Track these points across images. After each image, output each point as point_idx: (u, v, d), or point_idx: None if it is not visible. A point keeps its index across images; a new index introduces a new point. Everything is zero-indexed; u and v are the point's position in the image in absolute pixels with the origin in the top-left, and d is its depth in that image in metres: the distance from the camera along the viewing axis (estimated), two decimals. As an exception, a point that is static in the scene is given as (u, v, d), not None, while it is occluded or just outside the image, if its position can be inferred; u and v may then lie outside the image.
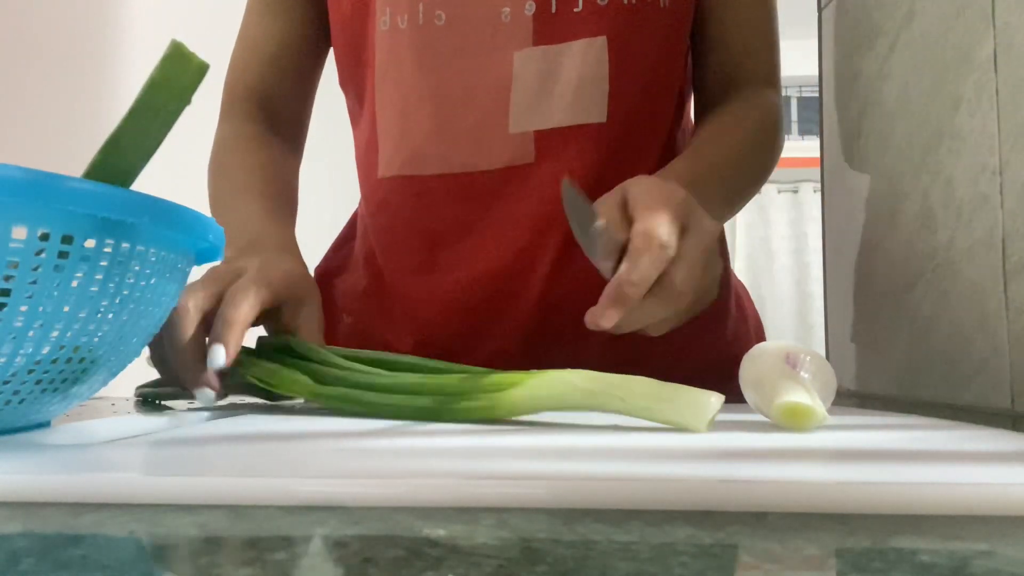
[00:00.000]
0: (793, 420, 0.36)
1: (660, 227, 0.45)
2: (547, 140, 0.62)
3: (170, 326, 0.48)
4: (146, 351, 0.51)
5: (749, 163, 0.65)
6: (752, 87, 0.69)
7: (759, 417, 0.43)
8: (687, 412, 0.35)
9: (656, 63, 0.64)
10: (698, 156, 0.62)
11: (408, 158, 0.66)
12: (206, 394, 0.47)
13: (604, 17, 0.62)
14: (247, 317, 0.49)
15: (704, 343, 0.69)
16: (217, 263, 0.50)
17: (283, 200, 0.67)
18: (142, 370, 0.53)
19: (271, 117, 0.74)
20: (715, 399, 0.36)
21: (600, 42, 0.62)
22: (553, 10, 0.62)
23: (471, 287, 0.64)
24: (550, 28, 0.62)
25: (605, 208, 0.48)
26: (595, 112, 0.62)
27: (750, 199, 0.68)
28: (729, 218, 0.64)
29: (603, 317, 0.45)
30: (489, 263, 0.64)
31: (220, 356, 0.46)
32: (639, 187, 0.49)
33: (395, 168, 0.66)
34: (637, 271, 0.44)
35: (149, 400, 0.58)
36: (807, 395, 0.36)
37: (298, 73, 0.74)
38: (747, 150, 0.65)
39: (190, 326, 0.48)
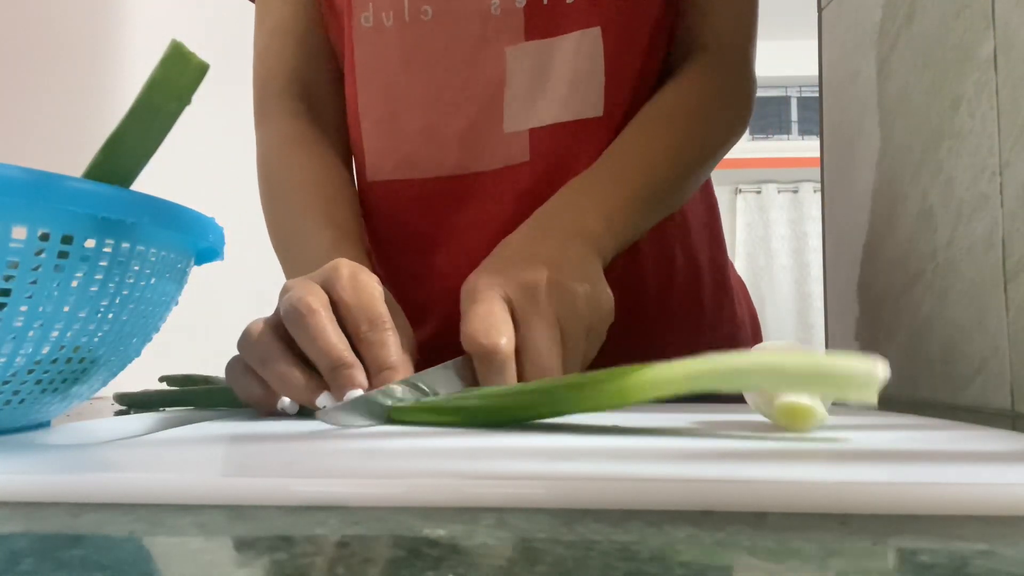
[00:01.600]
0: (793, 420, 0.36)
1: (477, 335, 0.43)
2: (542, 137, 0.61)
3: (303, 328, 0.42)
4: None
5: (677, 161, 0.59)
6: (711, 57, 0.63)
7: (759, 417, 0.43)
8: (852, 384, 0.31)
9: (649, 51, 0.63)
10: (606, 167, 0.58)
11: (399, 162, 0.64)
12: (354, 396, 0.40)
13: (597, 6, 0.60)
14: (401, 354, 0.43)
15: (701, 343, 0.69)
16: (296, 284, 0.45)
17: (349, 220, 0.62)
18: (142, 370, 0.53)
19: (313, 108, 0.69)
20: (881, 367, 0.31)
21: (594, 33, 0.60)
22: (545, 1, 0.60)
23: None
24: (542, 20, 0.60)
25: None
26: (591, 106, 0.61)
27: (688, 189, 0.63)
28: (653, 219, 0.59)
29: None
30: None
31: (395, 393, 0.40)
32: (463, 291, 0.47)
33: (386, 172, 0.65)
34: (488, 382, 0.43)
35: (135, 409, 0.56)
36: (807, 395, 0.36)
37: (332, 54, 0.70)
38: (677, 144, 0.59)
39: (328, 323, 0.42)
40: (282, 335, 0.43)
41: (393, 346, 0.43)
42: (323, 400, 0.41)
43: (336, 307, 0.44)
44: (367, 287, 0.45)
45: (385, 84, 0.64)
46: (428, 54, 0.62)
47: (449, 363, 0.44)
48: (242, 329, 0.46)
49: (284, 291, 0.45)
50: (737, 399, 0.45)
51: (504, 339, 0.44)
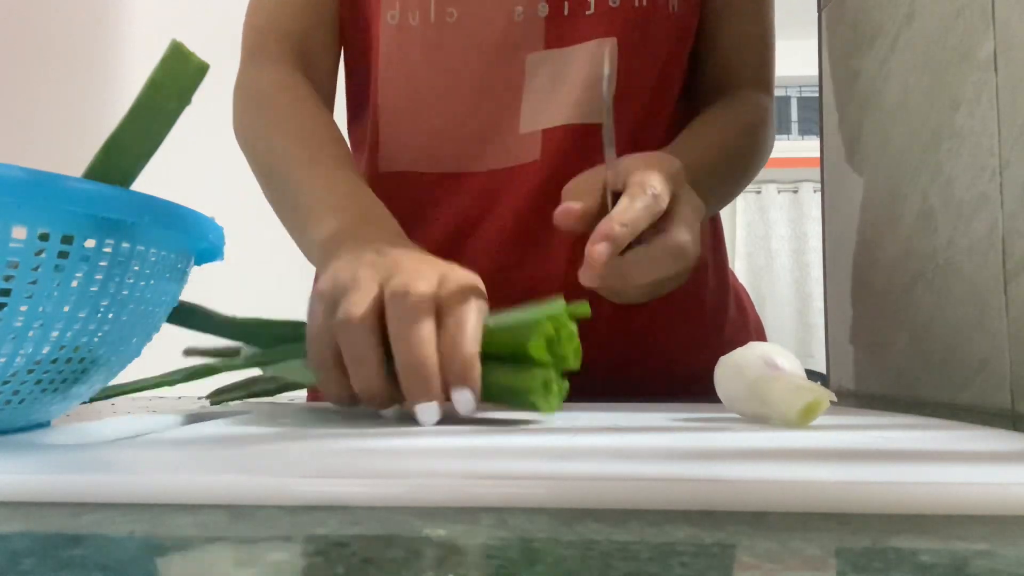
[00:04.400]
0: (809, 416, 0.36)
1: (654, 179, 0.47)
2: (552, 137, 0.63)
3: (353, 360, 0.40)
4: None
5: (730, 165, 0.66)
6: (743, 90, 0.69)
7: (738, 416, 0.43)
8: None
9: (662, 67, 0.65)
10: (683, 151, 0.61)
11: (416, 155, 0.66)
12: (431, 411, 0.39)
13: (615, 19, 0.62)
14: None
15: (703, 345, 0.69)
16: (355, 252, 0.44)
17: (353, 164, 0.62)
18: (142, 370, 0.53)
19: (307, 69, 0.68)
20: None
21: (610, 43, 0.62)
22: (566, 12, 0.62)
23: None
24: (562, 31, 0.62)
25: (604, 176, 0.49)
26: (598, 113, 0.62)
27: (728, 200, 0.68)
28: (705, 217, 0.62)
29: (593, 253, 0.44)
30: (490, 262, 0.64)
31: (470, 402, 0.39)
32: (633, 157, 0.51)
33: (401, 164, 0.66)
34: (629, 212, 0.45)
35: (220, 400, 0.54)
36: (813, 387, 0.37)
37: (334, 24, 0.69)
38: (730, 152, 0.65)
39: (373, 350, 0.40)
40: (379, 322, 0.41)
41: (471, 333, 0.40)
42: (389, 413, 0.41)
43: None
44: (471, 301, 0.42)
45: (407, 79, 0.65)
46: (450, 54, 0.64)
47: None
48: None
49: (398, 268, 0.43)
50: (715, 399, 0.45)
51: (665, 199, 0.47)
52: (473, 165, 0.64)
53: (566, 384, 0.41)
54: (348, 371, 0.41)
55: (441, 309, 0.41)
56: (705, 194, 0.58)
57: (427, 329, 0.39)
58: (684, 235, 0.48)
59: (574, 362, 0.40)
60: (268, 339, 0.49)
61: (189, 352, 0.53)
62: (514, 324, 0.39)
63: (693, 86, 0.70)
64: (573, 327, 0.41)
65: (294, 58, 0.67)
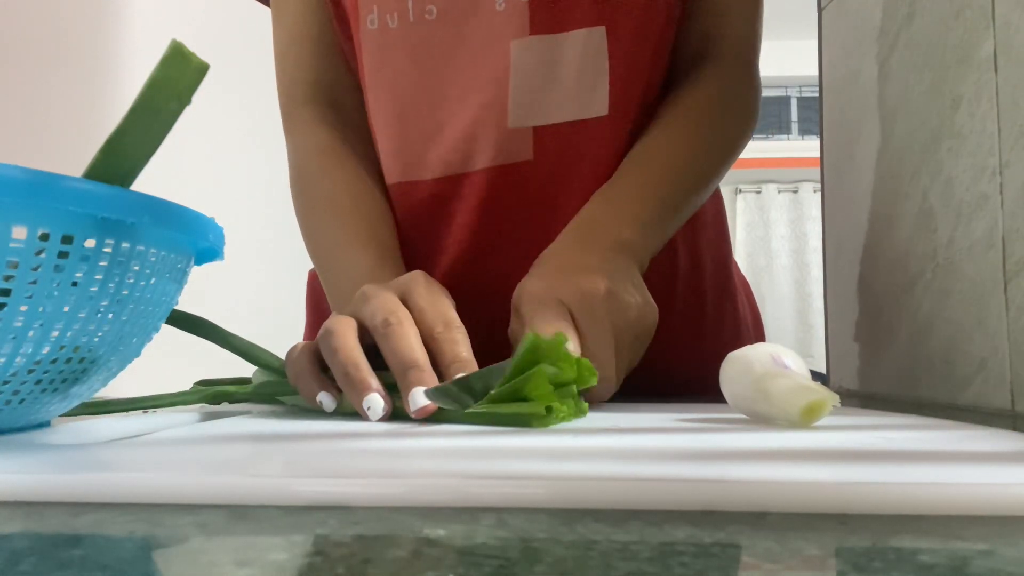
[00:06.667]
0: (812, 417, 0.36)
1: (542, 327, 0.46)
2: (546, 136, 0.61)
3: (390, 337, 0.43)
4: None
5: (698, 168, 0.62)
6: (724, 61, 0.66)
7: (743, 416, 0.43)
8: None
9: (655, 51, 0.63)
10: (635, 175, 0.60)
11: (407, 164, 0.64)
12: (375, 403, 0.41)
13: (603, 5, 0.60)
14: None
15: (703, 346, 0.69)
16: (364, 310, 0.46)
17: (388, 237, 0.64)
18: (142, 370, 0.53)
19: (340, 116, 0.69)
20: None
21: (599, 32, 0.60)
22: None
23: (472, 298, 0.63)
24: (547, 16, 0.60)
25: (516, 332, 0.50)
26: (596, 106, 0.61)
27: (706, 195, 0.65)
28: (677, 226, 0.62)
29: None
30: (489, 273, 0.63)
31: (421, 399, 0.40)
32: (523, 296, 0.50)
33: (396, 175, 0.65)
34: None
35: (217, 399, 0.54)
36: (818, 387, 0.37)
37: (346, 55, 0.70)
38: (697, 152, 0.62)
39: (412, 332, 0.44)
40: (360, 341, 0.45)
41: (463, 343, 0.45)
42: (368, 401, 0.41)
43: (412, 313, 0.46)
44: (441, 295, 0.48)
45: (392, 85, 0.64)
46: (434, 53, 0.62)
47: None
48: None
49: (364, 298, 0.47)
50: (715, 399, 0.45)
51: (571, 344, 0.45)
52: (462, 165, 0.62)
53: (585, 406, 0.41)
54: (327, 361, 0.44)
55: (422, 320, 0.46)
56: (658, 223, 0.58)
57: (407, 325, 0.44)
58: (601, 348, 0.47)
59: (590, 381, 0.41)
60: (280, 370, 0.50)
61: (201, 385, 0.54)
62: (512, 379, 0.39)
63: (671, 55, 0.67)
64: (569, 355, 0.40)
65: (326, 109, 0.68)
